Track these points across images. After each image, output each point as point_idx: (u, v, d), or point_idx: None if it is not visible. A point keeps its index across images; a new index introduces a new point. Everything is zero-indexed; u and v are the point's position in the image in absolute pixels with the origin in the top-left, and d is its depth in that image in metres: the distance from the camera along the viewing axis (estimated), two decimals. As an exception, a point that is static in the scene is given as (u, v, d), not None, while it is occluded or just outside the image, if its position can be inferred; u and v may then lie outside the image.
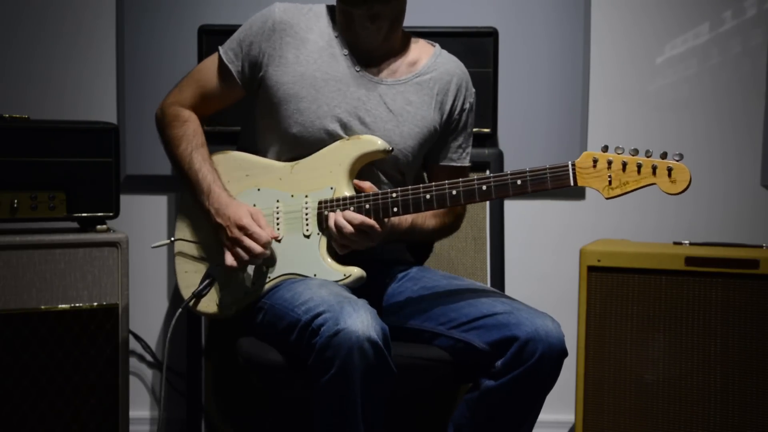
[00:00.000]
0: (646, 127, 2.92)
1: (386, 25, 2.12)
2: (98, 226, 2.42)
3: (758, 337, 2.41)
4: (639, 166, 1.86)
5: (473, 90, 2.26)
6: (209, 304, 2.17)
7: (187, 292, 2.19)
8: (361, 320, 1.81)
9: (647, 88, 2.92)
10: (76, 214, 2.39)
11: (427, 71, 2.19)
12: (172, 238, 2.24)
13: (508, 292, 2.54)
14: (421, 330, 2.07)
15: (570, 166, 1.90)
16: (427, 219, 2.18)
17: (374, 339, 1.81)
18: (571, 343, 2.14)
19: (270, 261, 2.11)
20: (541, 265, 2.94)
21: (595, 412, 2.53)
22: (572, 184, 1.90)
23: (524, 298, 2.09)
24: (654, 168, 1.85)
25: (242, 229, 2.05)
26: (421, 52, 2.22)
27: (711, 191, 2.91)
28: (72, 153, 2.37)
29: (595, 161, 1.88)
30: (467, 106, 2.24)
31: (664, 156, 1.86)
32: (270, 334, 2.04)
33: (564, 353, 1.95)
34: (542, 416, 2.06)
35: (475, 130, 2.64)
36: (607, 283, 2.51)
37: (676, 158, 1.85)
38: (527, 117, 2.85)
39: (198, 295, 2.16)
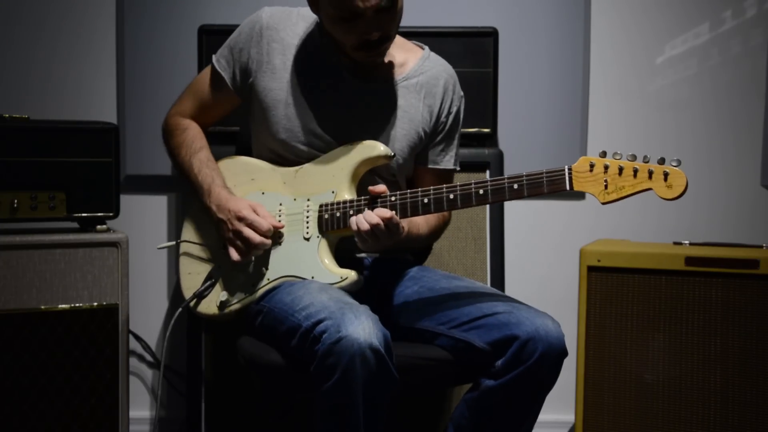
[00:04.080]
0: (646, 128, 2.92)
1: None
2: (98, 226, 2.42)
3: (758, 337, 2.41)
4: (635, 171, 1.85)
5: (461, 93, 2.26)
6: (209, 305, 2.17)
7: (188, 293, 2.21)
8: (362, 327, 1.80)
9: (647, 89, 2.92)
10: (76, 214, 2.39)
11: (414, 74, 2.19)
12: (178, 240, 2.25)
13: (508, 292, 2.54)
14: (422, 330, 2.07)
15: (567, 170, 1.89)
16: (421, 227, 2.18)
17: (376, 346, 1.80)
18: (571, 343, 2.14)
19: (270, 263, 2.11)
20: (541, 265, 2.94)
21: (595, 412, 2.53)
22: (568, 188, 1.89)
23: (524, 298, 2.09)
24: (650, 173, 1.84)
25: (242, 219, 2.07)
26: (409, 54, 2.22)
27: (711, 191, 2.91)
28: (72, 153, 2.37)
29: (591, 166, 1.88)
30: (454, 109, 2.23)
31: (661, 162, 1.85)
32: (270, 337, 2.04)
33: (564, 353, 1.95)
34: (542, 416, 2.06)
35: (474, 130, 2.64)
36: (607, 283, 2.51)
37: (674, 164, 1.84)
38: (527, 117, 2.84)
39: (199, 296, 2.17)
